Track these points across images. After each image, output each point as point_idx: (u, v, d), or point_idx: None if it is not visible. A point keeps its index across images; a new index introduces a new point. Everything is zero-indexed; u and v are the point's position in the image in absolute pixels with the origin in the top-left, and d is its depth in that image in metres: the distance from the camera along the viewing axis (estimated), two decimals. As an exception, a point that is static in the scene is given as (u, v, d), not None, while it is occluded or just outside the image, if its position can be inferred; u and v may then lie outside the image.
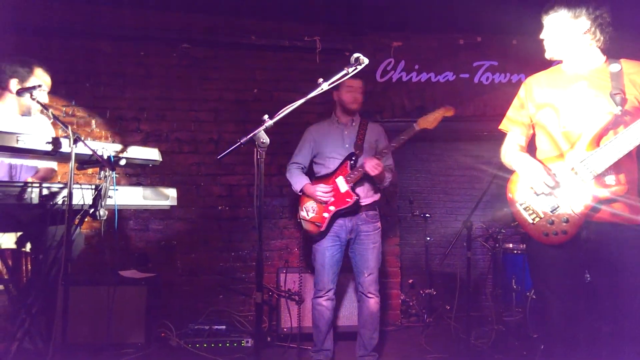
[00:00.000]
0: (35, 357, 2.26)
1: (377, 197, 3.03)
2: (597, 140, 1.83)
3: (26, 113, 2.62)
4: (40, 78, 2.59)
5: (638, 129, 1.74)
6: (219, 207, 3.95)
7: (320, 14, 4.02)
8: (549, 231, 1.90)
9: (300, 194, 3.04)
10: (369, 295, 2.95)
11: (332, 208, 2.91)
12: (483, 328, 3.51)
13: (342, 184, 2.92)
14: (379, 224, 3.02)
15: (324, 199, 2.90)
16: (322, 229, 2.91)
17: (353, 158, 2.94)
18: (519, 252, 3.44)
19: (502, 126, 2.22)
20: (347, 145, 3.01)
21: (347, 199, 2.88)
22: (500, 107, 3.95)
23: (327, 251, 2.94)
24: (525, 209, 1.97)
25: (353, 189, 2.90)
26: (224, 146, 3.92)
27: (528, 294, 3.15)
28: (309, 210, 2.99)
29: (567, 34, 1.94)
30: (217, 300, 3.83)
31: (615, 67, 1.89)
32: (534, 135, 2.12)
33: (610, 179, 1.82)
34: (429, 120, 2.82)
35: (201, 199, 3.91)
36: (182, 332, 3.40)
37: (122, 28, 3.84)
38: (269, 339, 3.49)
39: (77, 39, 3.79)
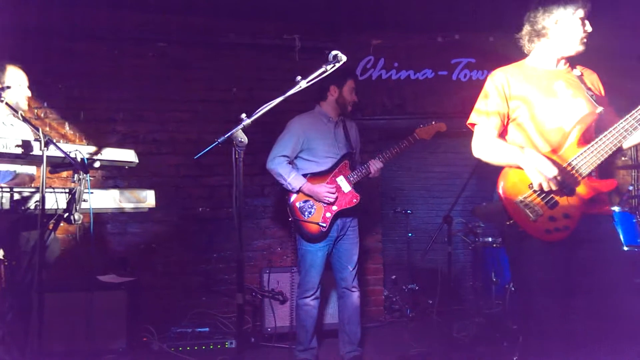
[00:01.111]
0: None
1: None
2: (585, 139, 1.86)
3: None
4: (14, 76, 2.52)
5: (623, 127, 1.80)
6: (200, 209, 3.90)
7: (299, 12, 4.00)
8: (550, 228, 1.84)
9: (295, 193, 2.90)
10: (353, 289, 2.98)
11: (334, 208, 2.89)
12: (464, 321, 3.55)
13: (344, 184, 2.92)
14: (357, 219, 3.07)
15: (331, 199, 2.86)
16: (325, 229, 2.87)
17: (350, 158, 2.97)
18: (498, 245, 3.49)
19: (472, 120, 2.13)
20: (340, 145, 2.99)
21: (354, 199, 2.92)
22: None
23: (319, 252, 2.91)
24: (525, 205, 1.87)
25: (356, 188, 2.94)
26: (203, 146, 3.84)
27: (507, 286, 3.20)
28: (305, 211, 2.89)
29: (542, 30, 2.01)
30: (199, 303, 3.79)
31: (577, 71, 1.99)
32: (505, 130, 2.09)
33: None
34: (428, 132, 3.00)
35: (181, 200, 3.86)
36: (164, 335, 3.35)
37: (97, 28, 3.75)
38: (252, 339, 3.47)
39: (51, 38, 3.69)
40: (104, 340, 3.07)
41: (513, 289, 3.10)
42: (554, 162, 1.82)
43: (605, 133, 1.83)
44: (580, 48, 1.95)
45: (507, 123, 2.05)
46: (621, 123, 1.80)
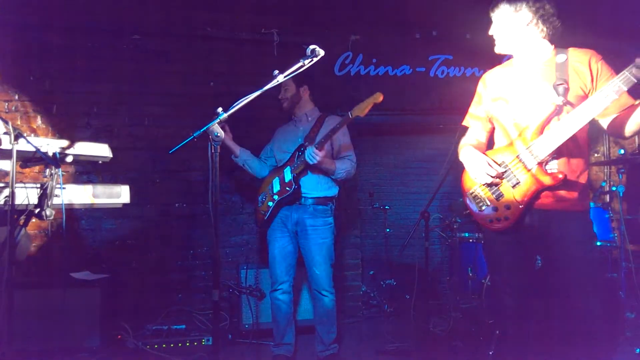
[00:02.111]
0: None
1: (330, 193, 2.97)
2: (541, 130, 1.90)
3: None
4: None
5: (578, 114, 1.81)
6: (176, 204, 3.85)
7: (278, 7, 3.98)
8: (492, 218, 1.99)
9: (236, 160, 3.16)
10: (323, 292, 2.90)
11: (276, 197, 2.95)
12: (441, 316, 3.61)
13: (287, 173, 2.94)
14: (330, 220, 2.96)
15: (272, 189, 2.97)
16: (266, 217, 2.96)
17: (302, 149, 2.92)
18: (474, 240, 3.55)
19: (464, 122, 2.28)
20: (300, 140, 3.03)
21: (287, 187, 2.90)
22: (455, 101, 4.07)
23: (276, 242, 2.95)
24: (473, 197, 2.05)
25: (296, 178, 2.89)
26: (180, 141, 3.79)
27: (483, 281, 3.25)
28: (260, 200, 3.07)
29: (511, 28, 2.00)
30: (176, 300, 3.74)
31: (561, 57, 1.95)
32: (494, 130, 2.18)
33: (552, 166, 1.89)
34: (361, 108, 2.82)
35: (157, 196, 3.79)
36: (139, 333, 3.30)
37: (72, 19, 3.64)
38: (230, 336, 3.45)
39: (24, 30, 3.57)
40: (77, 339, 3.01)
41: (489, 283, 3.15)
42: (480, 159, 1.99)
43: (564, 117, 1.85)
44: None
45: (492, 122, 2.15)
46: (582, 105, 1.81)
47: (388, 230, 4.16)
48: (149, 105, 3.83)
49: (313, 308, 3.06)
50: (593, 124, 1.96)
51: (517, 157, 1.93)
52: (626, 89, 1.72)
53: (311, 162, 2.76)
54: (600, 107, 1.76)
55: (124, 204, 2.41)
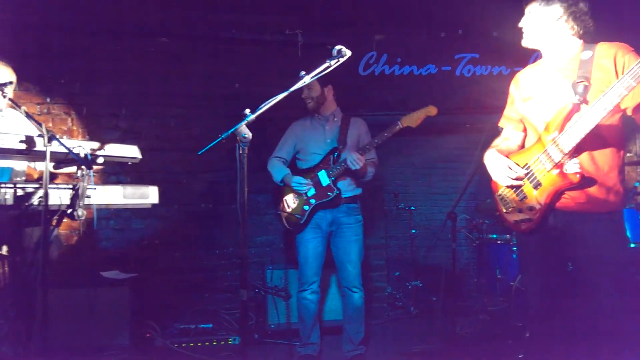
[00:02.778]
0: (14, 362, 2.20)
1: (358, 191, 3.06)
2: (560, 127, 1.84)
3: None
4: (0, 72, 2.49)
5: (591, 112, 1.74)
6: (202, 205, 3.89)
7: (301, 7, 3.98)
8: (517, 219, 2.00)
9: (281, 184, 3.07)
10: (354, 289, 2.96)
11: (312, 201, 2.94)
12: (468, 318, 3.55)
13: (324, 178, 2.94)
14: (360, 217, 3.04)
15: (301, 190, 2.93)
16: (302, 221, 2.94)
17: (336, 152, 2.96)
18: (503, 242, 3.48)
19: (500, 123, 2.25)
20: (328, 141, 3.02)
21: (329, 192, 2.91)
22: (482, 100, 4.00)
23: (309, 243, 2.95)
24: (501, 199, 2.06)
25: (335, 182, 2.92)
26: (206, 142, 3.83)
27: (512, 283, 3.18)
28: (289, 203, 3.02)
29: (541, 22, 1.96)
30: (202, 299, 3.79)
31: (586, 54, 1.89)
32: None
33: (575, 165, 1.83)
34: (413, 119, 2.86)
35: (183, 196, 3.84)
36: (167, 332, 3.35)
37: (98, 23, 3.73)
38: (256, 336, 3.46)
39: (53, 34, 3.68)
40: (107, 337, 3.07)
41: (518, 285, 3.08)
42: (501, 162, 1.98)
43: (586, 110, 1.78)
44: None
45: (525, 125, 2.11)
46: (600, 99, 1.73)
47: (413, 231, 4.12)
48: (174, 107, 3.89)
49: (343, 307, 3.08)
50: (628, 123, 1.89)
51: (538, 158, 1.90)
52: (635, 85, 1.65)
53: (353, 168, 2.82)
54: (610, 104, 1.69)
55: (153, 205, 2.45)
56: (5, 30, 3.56)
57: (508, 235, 3.45)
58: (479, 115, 3.97)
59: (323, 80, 2.98)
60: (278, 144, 3.19)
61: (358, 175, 2.96)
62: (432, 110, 2.90)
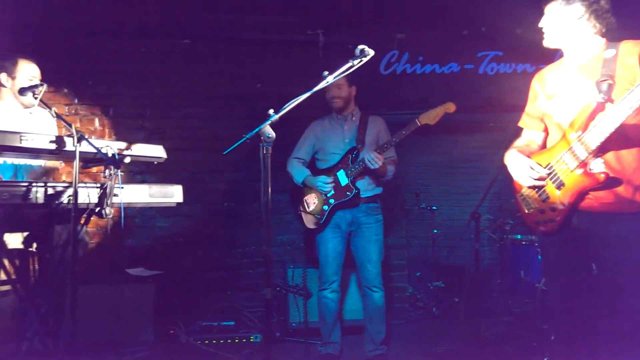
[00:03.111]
0: (45, 356, 2.26)
1: (378, 190, 3.05)
2: (584, 126, 1.81)
3: (29, 106, 2.58)
4: (26, 70, 2.53)
5: (615, 111, 1.70)
6: (224, 204, 3.94)
7: (322, 7, 3.99)
8: (539, 220, 1.97)
9: (302, 186, 3.07)
10: (374, 289, 2.96)
11: (331, 201, 2.95)
12: (492, 320, 3.50)
13: (342, 177, 2.94)
14: (380, 217, 3.04)
15: (325, 190, 2.93)
16: (321, 221, 2.96)
17: (354, 152, 2.96)
18: (527, 243, 3.42)
19: (520, 122, 2.22)
20: (347, 140, 3.02)
21: (347, 192, 2.91)
22: (506, 98, 3.94)
23: (329, 243, 2.97)
24: (522, 199, 2.04)
25: (353, 182, 2.92)
26: (229, 142, 3.88)
27: (537, 285, 3.13)
28: (309, 203, 3.04)
29: (562, 21, 1.93)
30: (224, 297, 3.83)
31: (610, 52, 1.86)
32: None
33: (599, 164, 1.79)
34: (431, 116, 2.83)
35: (206, 195, 3.90)
36: (190, 329, 3.40)
37: (124, 25, 3.81)
38: (278, 334, 3.49)
39: (80, 37, 3.77)
40: (132, 332, 3.13)
41: (543, 287, 3.02)
42: (523, 163, 1.95)
43: (612, 107, 1.73)
44: None
45: (546, 124, 2.08)
46: (625, 97, 1.68)
47: (435, 231, 4.08)
48: (197, 108, 3.94)
49: (363, 307, 3.07)
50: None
51: (561, 157, 1.87)
52: None
53: (372, 167, 2.81)
54: (635, 102, 1.65)
55: (177, 203, 2.50)
56: (35, 33, 3.67)
57: (533, 236, 3.39)
58: (503, 114, 3.91)
59: (350, 80, 3.00)
60: (296, 145, 3.20)
61: (377, 174, 2.95)
62: (450, 107, 2.85)
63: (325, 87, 2.87)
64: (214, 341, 3.28)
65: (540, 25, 2.02)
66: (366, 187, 2.97)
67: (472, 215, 3.00)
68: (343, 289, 3.19)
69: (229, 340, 3.30)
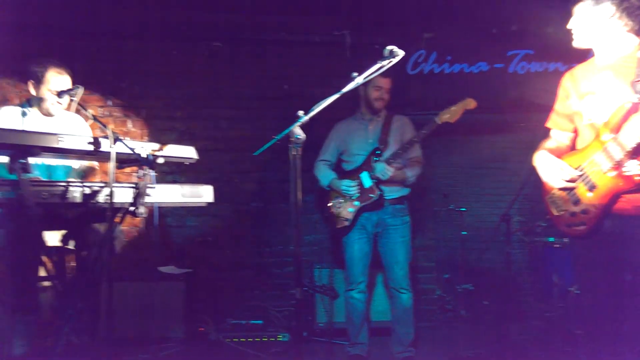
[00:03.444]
0: (81, 351, 2.34)
1: (405, 191, 3.03)
2: (617, 127, 1.77)
3: (47, 114, 2.63)
4: (54, 77, 2.56)
5: None
6: (252, 204, 3.99)
7: (349, 8, 3.99)
8: (570, 222, 1.93)
9: (328, 189, 3.08)
10: (402, 290, 2.94)
11: (356, 203, 2.94)
12: (522, 324, 3.42)
13: (366, 179, 2.93)
14: (407, 218, 3.02)
15: (350, 193, 2.93)
16: (347, 223, 2.95)
17: (377, 152, 2.94)
18: (560, 245, 3.33)
19: (547, 123, 2.19)
20: (370, 141, 3.01)
21: (371, 194, 2.90)
22: (537, 98, 3.85)
23: (355, 244, 2.96)
24: (552, 202, 2.00)
25: (377, 184, 2.90)
26: (256, 142, 3.92)
27: (570, 288, 3.05)
28: (335, 205, 3.03)
29: (592, 21, 1.89)
30: (252, 296, 3.88)
31: None
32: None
33: (635, 167, 1.73)
34: (451, 114, 2.80)
35: (234, 195, 3.95)
36: (219, 326, 3.46)
37: (151, 29, 3.89)
38: (305, 333, 3.51)
39: (112, 40, 3.89)
40: (163, 329, 3.21)
41: (576, 291, 2.95)
42: (553, 164, 1.92)
43: None
44: None
45: (576, 124, 2.04)
46: None
47: (464, 232, 4.02)
48: (226, 109, 4.01)
49: (391, 308, 3.07)
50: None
51: (594, 159, 1.82)
52: None
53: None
54: None
55: (207, 203, 2.55)
56: (72, 37, 3.79)
57: (565, 239, 3.30)
58: (534, 114, 3.81)
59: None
60: (322, 147, 3.20)
61: (397, 181, 2.94)
62: (469, 103, 2.80)
63: (367, 87, 2.92)
64: (242, 339, 3.32)
65: (569, 26, 1.98)
66: (391, 189, 2.95)
67: (503, 218, 2.95)
68: (370, 291, 3.19)
69: (257, 339, 3.34)
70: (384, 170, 2.81)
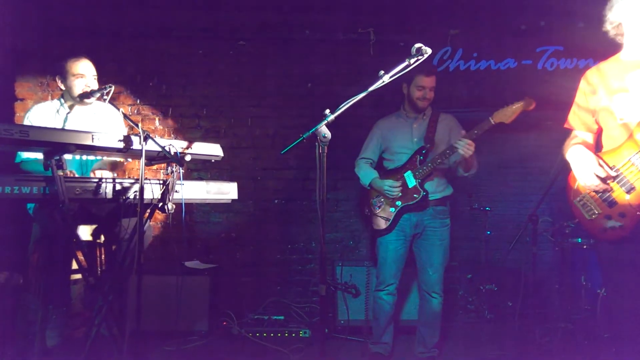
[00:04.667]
0: (110, 342, 2.40)
1: (447, 192, 2.94)
2: None
3: (82, 103, 2.70)
4: (74, 63, 2.64)
5: None
6: (275, 201, 4.02)
7: (373, 5, 3.97)
8: (606, 226, 1.86)
9: (368, 188, 3.00)
10: (433, 295, 2.87)
11: (398, 203, 2.86)
12: (548, 326, 3.36)
13: (410, 179, 2.84)
14: (448, 221, 2.93)
15: (392, 194, 2.85)
16: (387, 224, 2.88)
17: (423, 152, 2.84)
18: (588, 247, 3.26)
19: (567, 124, 2.15)
20: (415, 139, 2.92)
21: (415, 195, 2.82)
22: (567, 95, 3.75)
23: (390, 245, 2.90)
24: (582, 205, 1.93)
25: (421, 184, 2.81)
26: (280, 141, 4.00)
27: (599, 291, 2.98)
28: (376, 205, 2.95)
29: (635, 13, 1.85)
30: (275, 292, 3.92)
31: None
32: (600, 132, 2.02)
33: None
34: (507, 114, 2.59)
35: (258, 192, 4.00)
36: (242, 321, 3.51)
37: (173, 28, 3.97)
38: (326, 330, 3.52)
39: (148, 40, 3.96)
40: (188, 322, 3.28)
41: (605, 294, 2.88)
42: (590, 158, 1.85)
43: None
44: None
45: (599, 124, 2.00)
46: None
47: (488, 232, 3.97)
48: (250, 107, 4.05)
49: (419, 309, 3.01)
50: None
51: (630, 159, 1.78)
52: None
53: (467, 154, 2.60)
54: None
55: (232, 200, 2.59)
56: (102, 36, 3.89)
57: (594, 240, 3.23)
58: (562, 112, 3.73)
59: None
60: (363, 145, 3.11)
61: (466, 165, 2.77)
62: (529, 103, 2.57)
63: (410, 86, 2.84)
64: (265, 334, 3.36)
65: (612, 18, 1.93)
66: (435, 189, 2.86)
67: (530, 218, 2.90)
68: (404, 290, 3.12)
69: (278, 334, 3.38)
70: (467, 145, 2.58)
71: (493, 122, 2.63)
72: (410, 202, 2.83)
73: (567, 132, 2.19)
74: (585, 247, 3.27)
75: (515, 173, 4.29)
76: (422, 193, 2.80)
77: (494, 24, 4.08)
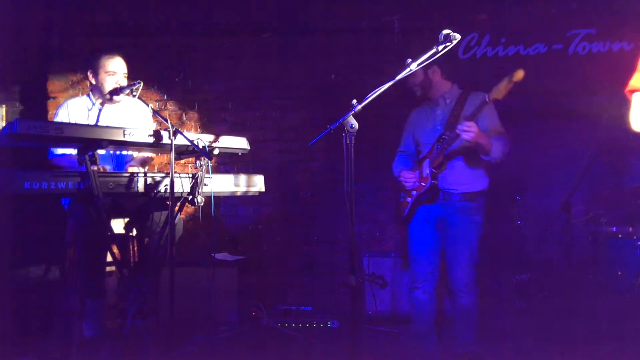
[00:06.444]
0: (145, 332, 2.47)
1: (479, 185, 2.70)
2: None
3: (111, 101, 2.77)
4: (107, 59, 2.71)
5: None
6: (301, 193, 4.04)
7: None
8: None
9: (399, 180, 2.90)
10: (460, 294, 2.67)
11: (414, 193, 2.78)
12: (583, 318, 3.28)
13: (425, 168, 2.73)
14: (478, 218, 2.69)
15: (407, 185, 2.79)
16: (404, 214, 2.83)
17: (443, 137, 2.63)
18: (624, 236, 3.16)
19: (632, 85, 1.94)
20: (439, 127, 2.75)
21: (422, 183, 2.69)
22: (600, 80, 3.64)
23: (416, 234, 2.77)
24: None
25: (435, 173, 2.64)
26: (305, 133, 4.00)
27: (634, 282, 2.89)
28: (402, 195, 2.90)
29: None
30: (302, 283, 3.95)
31: None
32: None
33: None
34: (500, 90, 2.47)
35: (284, 184, 4.02)
36: (269, 312, 3.55)
37: (196, 23, 4.00)
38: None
39: (170, 38, 4.02)
40: (218, 313, 3.32)
41: (643, 284, 2.79)
42: None
43: None
44: None
45: None
46: None
47: (519, 222, 3.88)
48: (275, 99, 4.06)
49: (452, 306, 2.83)
50: None
51: None
52: None
53: (468, 137, 2.42)
54: None
55: (259, 192, 2.61)
56: (129, 34, 3.95)
57: (631, 229, 3.13)
58: (596, 97, 3.62)
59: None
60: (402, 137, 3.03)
61: (479, 150, 2.55)
62: (517, 75, 2.45)
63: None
64: (293, 325, 3.39)
65: None
66: (459, 181, 2.65)
67: (562, 206, 2.82)
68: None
69: (307, 325, 3.40)
70: (466, 127, 2.40)
71: (488, 101, 2.50)
72: (420, 192, 2.71)
73: (607, 117, 2.03)
74: (620, 236, 3.18)
75: (547, 161, 4.16)
76: (429, 181, 2.63)
77: (522, 7, 3.96)
